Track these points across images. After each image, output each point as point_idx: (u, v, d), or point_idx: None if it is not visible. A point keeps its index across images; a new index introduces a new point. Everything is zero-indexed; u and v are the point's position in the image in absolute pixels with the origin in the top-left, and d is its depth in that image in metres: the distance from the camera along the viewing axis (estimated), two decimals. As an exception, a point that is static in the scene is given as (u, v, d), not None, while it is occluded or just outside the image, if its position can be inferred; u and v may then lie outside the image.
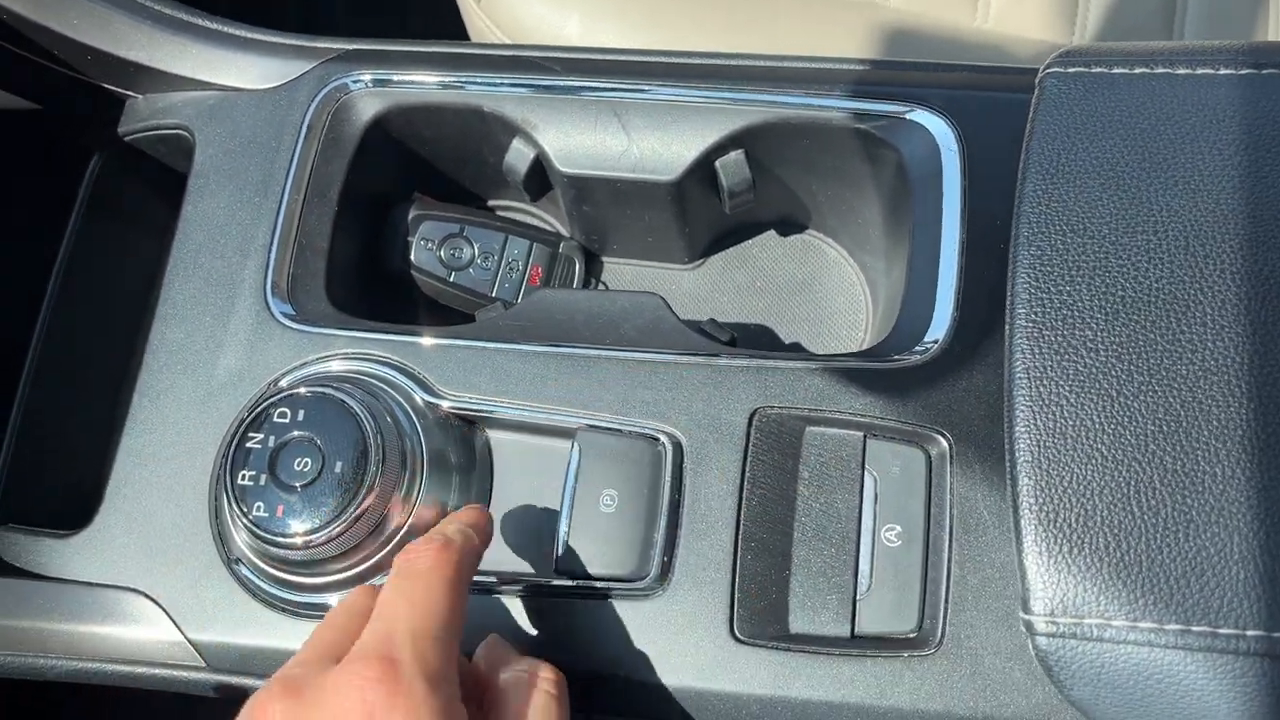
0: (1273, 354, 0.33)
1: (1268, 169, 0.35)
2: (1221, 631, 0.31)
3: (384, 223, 0.55)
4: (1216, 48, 0.37)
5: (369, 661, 0.33)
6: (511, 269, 0.55)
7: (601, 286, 0.58)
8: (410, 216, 0.54)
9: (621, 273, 0.58)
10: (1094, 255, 0.35)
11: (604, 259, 0.58)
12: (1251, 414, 0.32)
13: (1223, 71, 0.37)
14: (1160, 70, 0.37)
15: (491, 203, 0.59)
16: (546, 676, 0.37)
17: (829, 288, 0.56)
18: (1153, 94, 0.37)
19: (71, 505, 0.49)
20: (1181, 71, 0.37)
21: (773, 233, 0.58)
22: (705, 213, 0.53)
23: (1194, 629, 0.31)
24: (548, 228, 0.58)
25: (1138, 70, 0.38)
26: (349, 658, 0.33)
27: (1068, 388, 0.34)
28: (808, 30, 0.65)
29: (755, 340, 0.56)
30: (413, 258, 0.54)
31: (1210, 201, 0.35)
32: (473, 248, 0.55)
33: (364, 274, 0.54)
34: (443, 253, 0.55)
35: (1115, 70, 0.38)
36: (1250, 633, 0.31)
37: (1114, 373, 0.34)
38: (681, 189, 0.50)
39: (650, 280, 0.58)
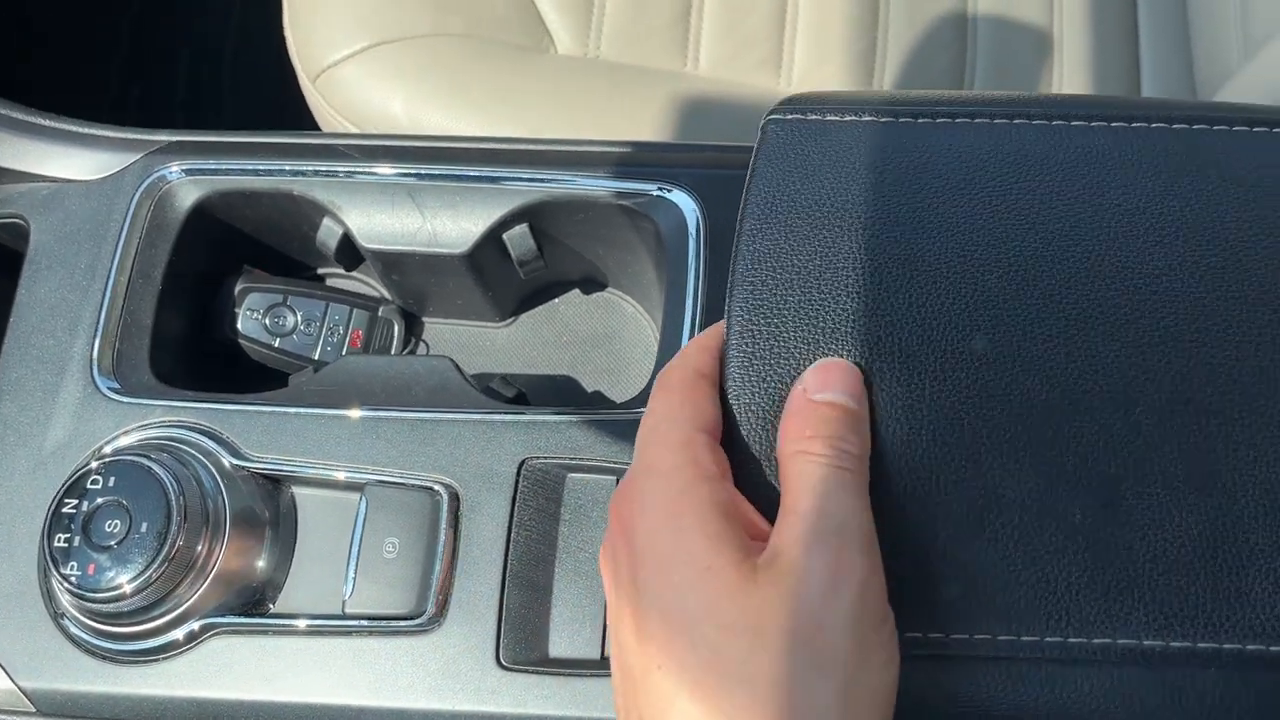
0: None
1: (962, 209, 0.39)
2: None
3: (213, 297, 0.60)
4: (922, 98, 0.43)
5: None
6: (333, 333, 0.60)
7: (422, 345, 0.63)
8: (237, 289, 0.60)
9: (440, 331, 0.64)
10: (799, 288, 0.38)
11: (424, 319, 0.63)
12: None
13: (920, 121, 0.42)
14: (867, 118, 0.42)
15: (322, 271, 0.65)
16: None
17: (627, 340, 0.62)
18: (860, 139, 0.41)
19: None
20: (885, 120, 0.42)
21: (577, 291, 0.63)
22: (504, 278, 0.59)
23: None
24: (371, 293, 0.63)
25: (848, 117, 0.43)
26: None
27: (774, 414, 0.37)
28: (624, 104, 0.71)
29: (560, 390, 0.62)
30: (240, 327, 0.59)
31: (912, 237, 0.38)
32: (296, 315, 0.60)
33: (196, 345, 0.59)
34: (268, 321, 0.60)
35: (828, 118, 0.42)
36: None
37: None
38: (475, 260, 0.56)
39: (466, 338, 0.63)
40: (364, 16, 0.70)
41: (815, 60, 0.76)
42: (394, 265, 0.57)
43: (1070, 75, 0.80)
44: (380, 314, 0.62)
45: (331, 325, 0.61)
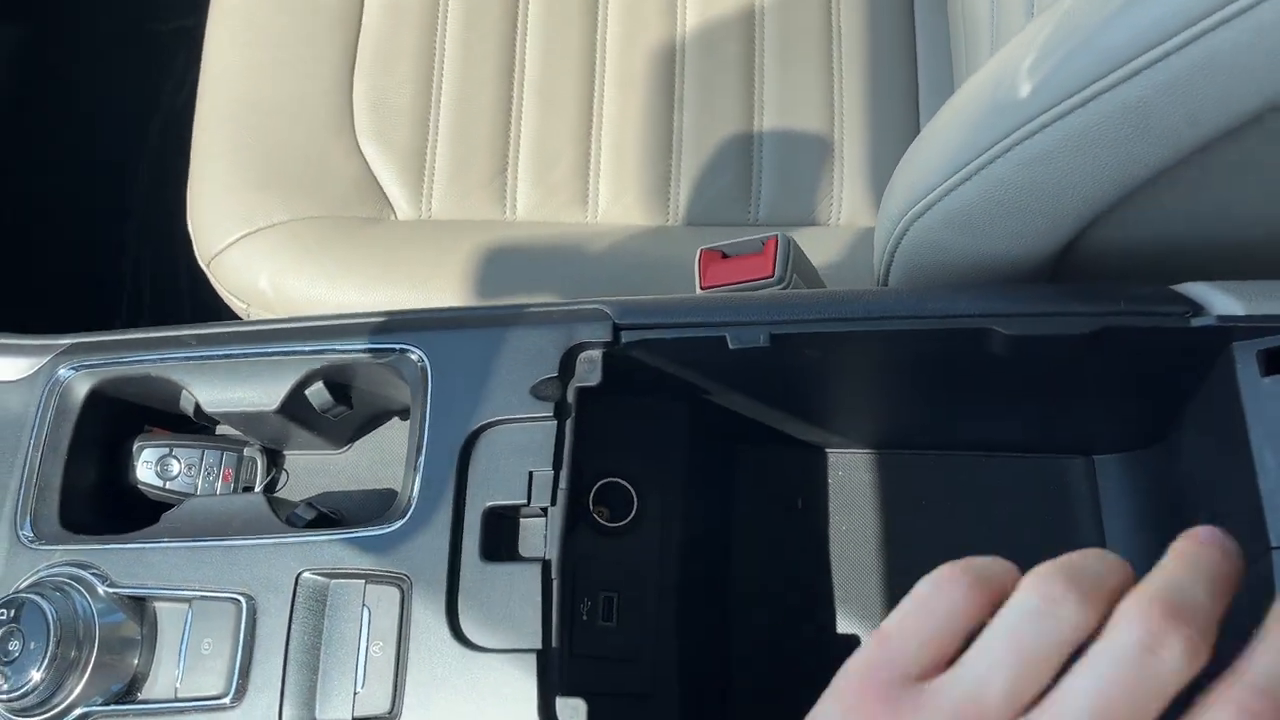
0: None
1: None
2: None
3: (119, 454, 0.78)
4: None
5: None
6: (209, 474, 0.78)
7: (284, 475, 0.81)
8: (135, 445, 0.78)
9: (296, 460, 0.80)
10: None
11: (284, 452, 0.80)
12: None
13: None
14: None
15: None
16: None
17: (434, 455, 0.78)
18: None
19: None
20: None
21: (398, 419, 0.79)
22: (322, 420, 0.76)
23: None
24: (243, 439, 0.81)
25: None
26: None
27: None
28: (452, 255, 0.87)
29: (383, 501, 0.77)
30: (138, 475, 0.78)
31: None
32: (180, 462, 0.78)
33: (112, 491, 0.78)
34: (158, 468, 0.78)
35: None
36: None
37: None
38: (289, 411, 0.72)
39: (315, 464, 0.80)
40: (237, 210, 0.88)
41: (616, 194, 0.91)
42: (237, 421, 0.75)
43: (850, 178, 0.92)
44: (245, 454, 0.79)
45: (208, 467, 0.78)
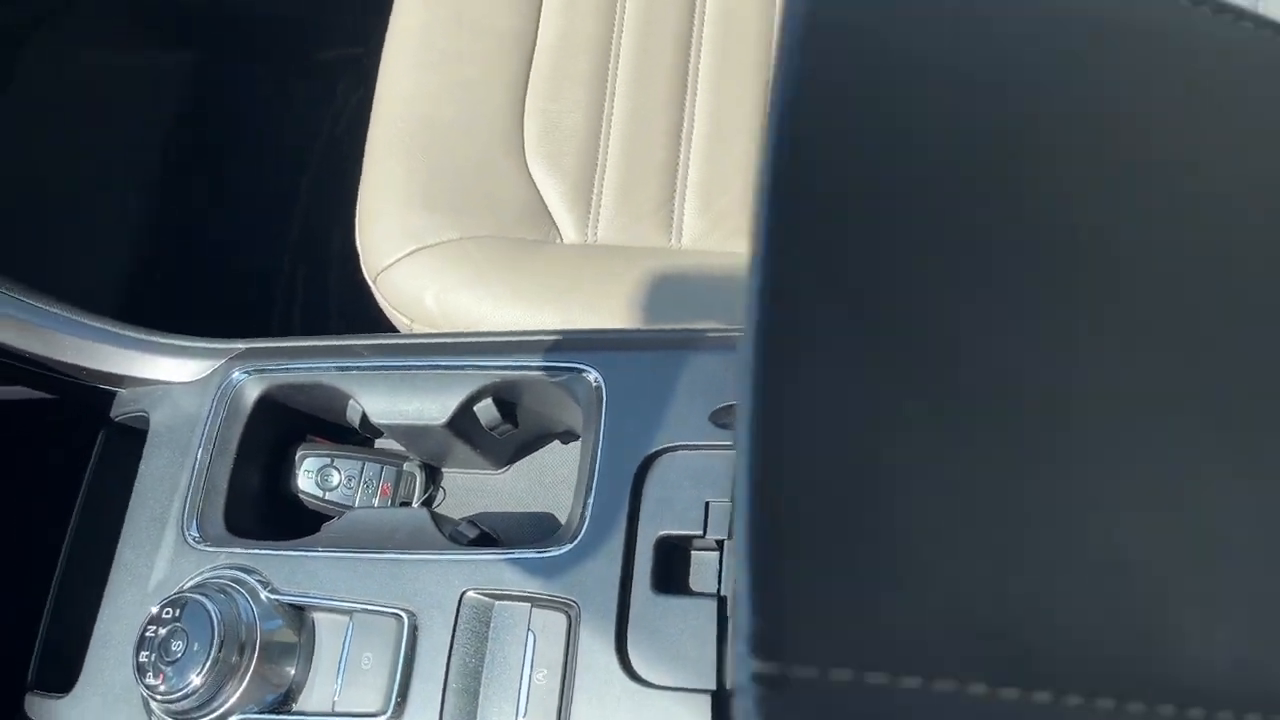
0: None
1: None
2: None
3: (282, 460, 0.78)
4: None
5: None
6: (368, 487, 0.77)
7: (441, 491, 0.79)
8: (297, 454, 0.78)
9: (454, 478, 0.79)
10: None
11: (442, 469, 0.79)
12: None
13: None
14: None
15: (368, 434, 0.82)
16: None
17: (594, 482, 0.75)
18: None
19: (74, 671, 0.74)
20: None
21: (558, 441, 0.78)
22: (487, 438, 0.74)
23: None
24: (402, 454, 0.80)
25: None
26: None
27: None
28: (615, 281, 0.86)
29: (540, 525, 0.75)
30: (299, 484, 0.77)
31: None
32: (340, 473, 0.78)
33: (272, 498, 0.77)
34: (318, 478, 0.78)
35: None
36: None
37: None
38: (456, 427, 0.71)
39: (473, 483, 0.78)
40: (407, 226, 0.88)
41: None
42: (402, 434, 0.74)
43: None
44: (404, 469, 0.78)
45: (367, 480, 0.78)
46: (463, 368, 0.70)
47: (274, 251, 1.36)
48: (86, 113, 1.26)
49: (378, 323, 0.93)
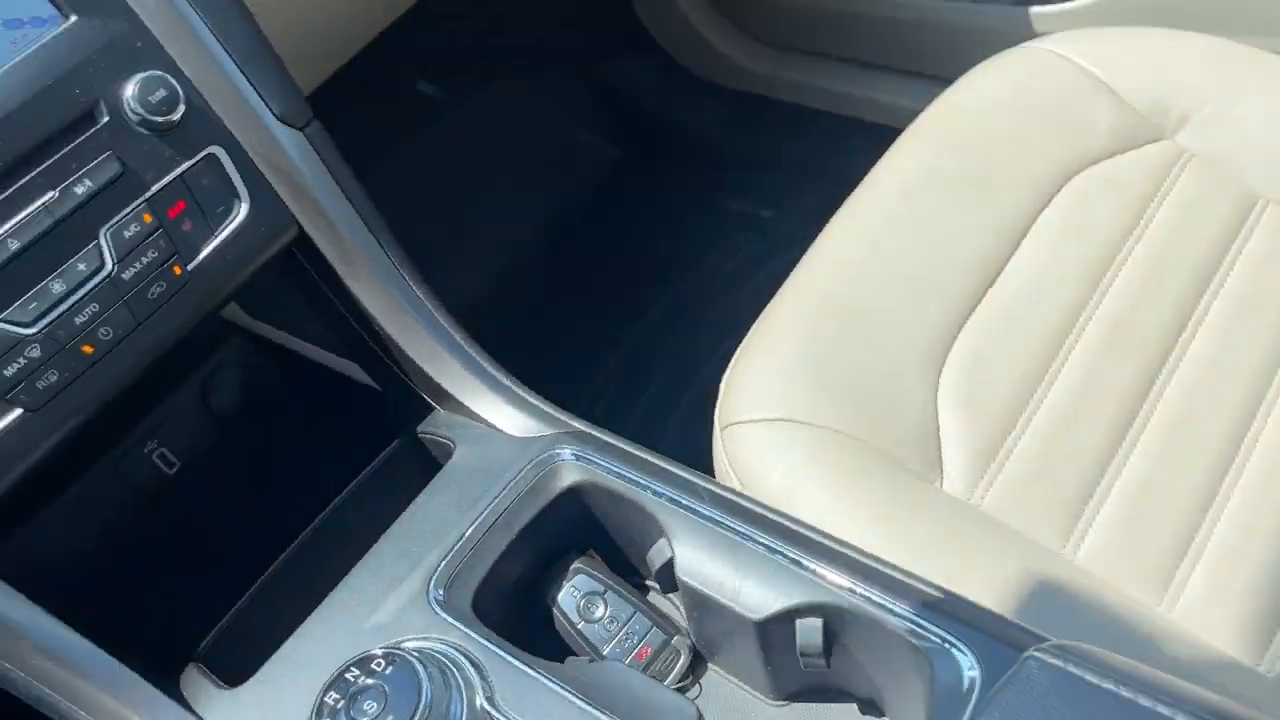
0: None
1: None
2: None
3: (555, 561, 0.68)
4: (1188, 693, 0.41)
5: None
6: (629, 638, 0.66)
7: (697, 686, 0.66)
8: (572, 565, 0.68)
9: (718, 682, 0.66)
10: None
11: (710, 664, 0.66)
12: None
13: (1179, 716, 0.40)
14: (1125, 692, 0.42)
15: (650, 583, 0.71)
16: None
17: (881, 776, 0.60)
18: (1102, 708, 0.41)
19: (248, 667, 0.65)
20: (1128, 695, 0.41)
21: (855, 707, 0.63)
22: (788, 660, 0.61)
23: None
24: (676, 619, 0.68)
25: (1106, 684, 0.42)
26: None
27: None
28: (985, 562, 0.72)
29: (795, 791, 0.60)
30: (559, 597, 0.67)
31: None
32: (607, 609, 0.66)
33: (522, 592, 0.67)
34: (582, 603, 0.67)
35: (1087, 676, 0.43)
36: None
37: None
38: (765, 630, 0.59)
39: (738, 700, 0.65)
40: (784, 394, 0.79)
41: (1214, 597, 0.71)
42: (696, 602, 0.62)
43: None
44: (673, 642, 0.66)
45: (631, 631, 0.66)
46: (809, 570, 0.58)
47: (635, 345, 1.34)
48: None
49: (704, 468, 0.83)
